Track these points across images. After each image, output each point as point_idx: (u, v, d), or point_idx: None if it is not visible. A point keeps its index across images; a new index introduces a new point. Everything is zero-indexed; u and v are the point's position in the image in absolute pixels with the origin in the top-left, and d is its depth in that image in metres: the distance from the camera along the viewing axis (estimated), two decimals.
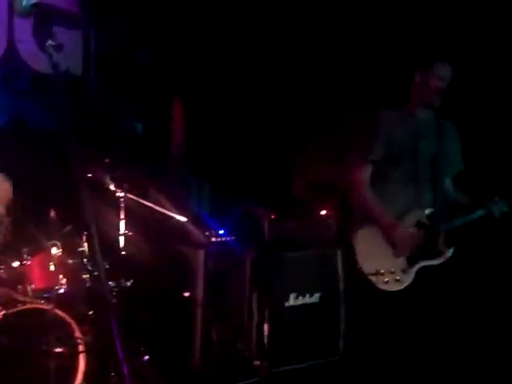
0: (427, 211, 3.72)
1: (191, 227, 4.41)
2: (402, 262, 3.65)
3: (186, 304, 4.35)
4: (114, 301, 3.97)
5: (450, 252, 3.70)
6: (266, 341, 4.45)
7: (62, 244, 3.86)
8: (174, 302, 4.39)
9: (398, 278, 3.60)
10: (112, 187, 4.14)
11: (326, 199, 5.10)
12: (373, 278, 3.61)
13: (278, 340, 4.53)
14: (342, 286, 4.80)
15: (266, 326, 4.48)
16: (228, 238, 4.58)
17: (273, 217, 4.77)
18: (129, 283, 4.10)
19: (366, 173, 3.78)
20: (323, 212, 5.03)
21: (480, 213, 3.75)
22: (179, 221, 4.23)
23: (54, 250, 3.83)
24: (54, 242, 3.84)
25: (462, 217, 3.75)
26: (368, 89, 4.99)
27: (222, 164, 5.38)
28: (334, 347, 4.72)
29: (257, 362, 4.41)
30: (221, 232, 4.58)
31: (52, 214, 3.84)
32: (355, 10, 5.13)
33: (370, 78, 5.05)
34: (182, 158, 5.55)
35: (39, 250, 3.86)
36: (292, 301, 4.69)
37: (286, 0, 5.36)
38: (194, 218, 4.53)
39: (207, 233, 4.52)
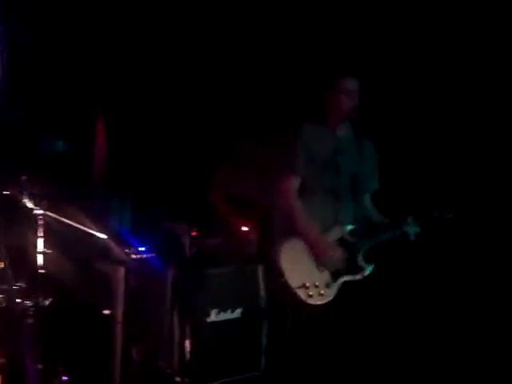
0: (349, 227, 3.79)
1: (111, 244, 4.36)
2: (326, 276, 3.70)
3: (106, 322, 4.29)
4: (31, 320, 3.89)
5: (369, 269, 3.77)
6: (187, 357, 4.44)
7: None
8: (94, 321, 4.32)
9: (322, 292, 3.65)
10: (29, 205, 4.06)
11: (245, 214, 5.13)
12: (298, 292, 3.63)
13: (200, 356, 4.53)
14: (263, 301, 4.85)
15: (187, 343, 4.47)
16: (149, 255, 4.56)
17: (194, 233, 4.79)
18: (47, 302, 4.02)
19: (293, 184, 3.81)
20: (244, 228, 5.08)
21: (394, 233, 3.83)
22: (99, 238, 4.18)
23: None
24: None
25: (378, 236, 3.83)
26: (290, 101, 5.06)
27: (143, 181, 5.35)
28: (256, 363, 4.75)
29: (178, 379, 4.38)
30: (141, 249, 4.55)
31: None
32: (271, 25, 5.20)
33: (290, 91, 5.12)
34: (103, 176, 5.49)
35: None
36: (213, 316, 4.69)
37: (198, 20, 5.40)
38: (114, 236, 4.48)
39: (127, 250, 4.48)
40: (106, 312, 4.25)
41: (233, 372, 4.66)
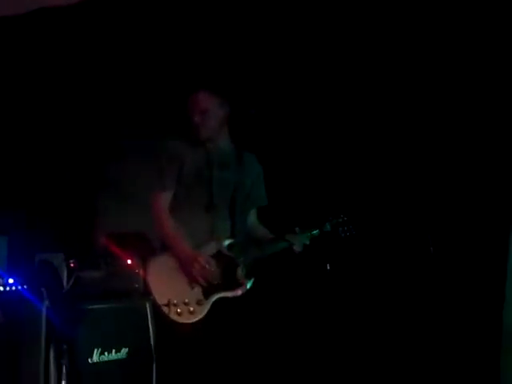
0: (227, 242, 3.67)
1: None
2: (197, 293, 3.55)
3: None
4: None
5: (249, 283, 3.65)
6: None
7: None
8: None
9: (191, 309, 3.51)
10: None
11: (129, 247, 4.80)
12: (165, 309, 3.52)
13: None
14: (152, 339, 4.45)
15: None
16: (20, 288, 4.11)
17: (72, 265, 4.38)
18: None
19: (163, 199, 3.71)
20: (129, 261, 4.71)
21: (280, 245, 3.74)
22: None
23: None
24: None
25: (262, 249, 3.74)
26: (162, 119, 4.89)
27: (19, 217, 4.98)
28: None
29: None
30: (10, 281, 4.10)
31: None
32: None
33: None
34: None
35: None
36: (96, 357, 4.27)
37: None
38: None
39: None
40: None
41: None
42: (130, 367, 4.34)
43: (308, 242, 3.71)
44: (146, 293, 4.44)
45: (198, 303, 3.53)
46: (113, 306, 4.43)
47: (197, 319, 3.51)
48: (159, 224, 3.69)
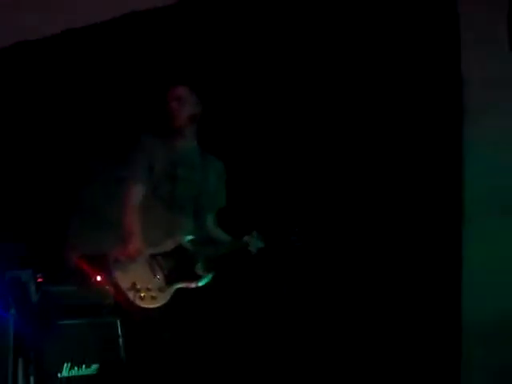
0: (189, 237, 3.79)
1: None
2: (159, 281, 3.67)
3: None
4: None
5: (207, 277, 3.75)
6: None
7: None
8: None
9: (154, 295, 3.60)
10: None
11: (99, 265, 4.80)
12: (129, 293, 3.59)
13: None
14: (122, 355, 4.42)
15: None
16: None
17: (40, 279, 4.37)
18: None
19: (135, 193, 3.78)
20: (98, 278, 4.70)
21: (235, 245, 3.87)
22: None
23: None
24: None
25: (218, 247, 3.87)
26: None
27: None
28: None
29: None
30: None
31: None
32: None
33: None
34: None
35: None
36: (65, 371, 4.24)
37: None
38: None
39: None
40: None
41: None
42: (100, 383, 4.31)
43: (263, 246, 3.82)
44: (116, 310, 4.46)
45: (160, 290, 3.61)
46: (83, 322, 4.42)
47: (159, 305, 3.59)
48: (123, 216, 3.74)
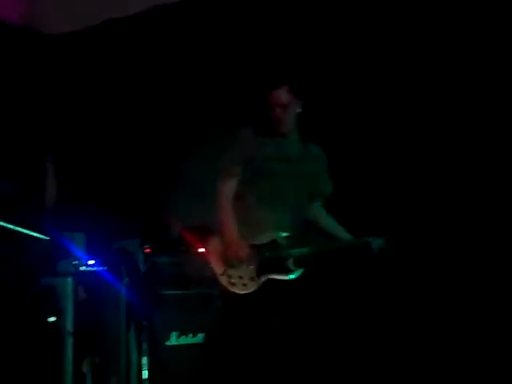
0: (284, 234, 3.78)
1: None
2: (251, 270, 3.73)
3: (56, 334, 3.91)
4: None
5: (297, 272, 3.74)
6: (144, 377, 4.04)
7: None
8: (43, 333, 3.93)
9: (245, 282, 3.70)
10: None
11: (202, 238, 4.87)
12: (221, 278, 3.71)
13: (158, 379, 4.14)
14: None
15: (145, 363, 4.08)
16: (99, 268, 4.23)
17: (147, 250, 4.48)
18: None
19: (228, 187, 3.79)
20: (201, 250, 4.77)
21: (354, 242, 3.78)
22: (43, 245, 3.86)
23: None
24: None
25: (330, 244, 3.84)
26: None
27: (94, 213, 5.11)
28: None
29: None
30: (91, 262, 4.22)
31: None
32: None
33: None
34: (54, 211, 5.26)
35: None
36: (174, 340, 4.36)
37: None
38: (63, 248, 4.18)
39: (75, 262, 4.16)
40: (52, 319, 3.86)
41: None
42: (207, 352, 4.39)
43: (385, 247, 3.67)
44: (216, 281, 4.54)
45: (252, 279, 3.70)
46: (188, 293, 4.53)
47: (248, 291, 3.69)
48: (218, 210, 3.77)
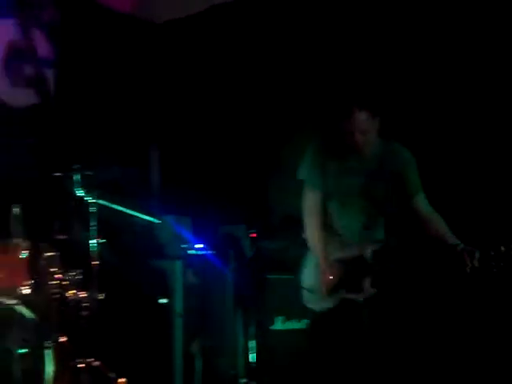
0: (372, 248, 3.58)
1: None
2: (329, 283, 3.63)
3: (166, 315, 4.02)
4: (85, 312, 3.65)
5: (370, 292, 3.57)
6: (252, 360, 4.10)
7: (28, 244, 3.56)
8: (154, 314, 4.05)
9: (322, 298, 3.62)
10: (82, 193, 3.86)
11: None
12: (303, 292, 3.67)
13: (265, 362, 4.19)
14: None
15: (252, 346, 4.14)
16: (207, 252, 4.32)
17: (253, 235, 4.52)
18: (101, 295, 3.76)
19: (312, 200, 3.69)
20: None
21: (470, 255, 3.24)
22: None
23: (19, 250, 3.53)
24: (18, 240, 3.53)
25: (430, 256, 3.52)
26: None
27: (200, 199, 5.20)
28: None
29: (244, 381, 4.04)
30: (199, 246, 4.31)
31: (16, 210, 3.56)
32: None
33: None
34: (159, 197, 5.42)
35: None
36: (279, 325, 4.40)
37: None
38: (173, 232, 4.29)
39: (184, 245, 4.25)
40: (164, 301, 3.97)
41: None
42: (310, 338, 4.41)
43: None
44: None
45: (330, 296, 3.59)
46: (293, 277, 4.55)
47: (321, 309, 3.61)
48: (306, 226, 3.68)
